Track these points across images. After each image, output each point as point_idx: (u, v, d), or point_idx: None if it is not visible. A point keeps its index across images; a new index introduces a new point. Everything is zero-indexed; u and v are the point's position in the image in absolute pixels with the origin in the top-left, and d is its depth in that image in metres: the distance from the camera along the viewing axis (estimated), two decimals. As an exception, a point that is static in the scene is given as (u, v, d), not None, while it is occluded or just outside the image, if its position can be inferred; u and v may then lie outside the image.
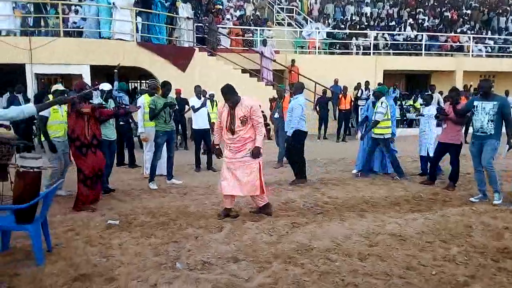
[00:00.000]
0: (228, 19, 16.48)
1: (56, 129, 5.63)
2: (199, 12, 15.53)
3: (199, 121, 7.87)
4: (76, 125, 5.09)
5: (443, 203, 5.69)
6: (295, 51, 16.14)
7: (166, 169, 6.86)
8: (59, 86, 5.97)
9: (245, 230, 4.44)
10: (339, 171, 7.92)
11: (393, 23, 19.74)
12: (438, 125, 7.01)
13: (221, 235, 4.30)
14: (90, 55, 10.93)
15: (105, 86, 6.31)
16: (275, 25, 18.30)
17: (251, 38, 15.54)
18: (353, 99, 13.17)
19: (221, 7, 17.71)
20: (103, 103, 6.09)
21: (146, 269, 3.50)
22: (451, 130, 6.33)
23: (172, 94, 7.67)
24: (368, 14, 20.65)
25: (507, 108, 5.46)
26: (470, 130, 5.80)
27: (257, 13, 18.35)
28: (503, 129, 5.47)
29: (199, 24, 13.70)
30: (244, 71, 13.43)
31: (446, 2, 24.53)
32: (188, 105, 8.85)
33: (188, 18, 12.95)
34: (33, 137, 9.73)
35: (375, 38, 16.92)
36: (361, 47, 16.86)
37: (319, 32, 16.25)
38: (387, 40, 17.46)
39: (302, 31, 17.30)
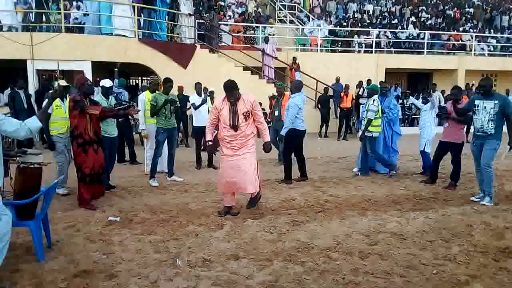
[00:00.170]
0: (229, 16, 16.44)
1: (59, 125, 5.62)
2: (200, 8, 15.49)
3: (199, 119, 7.86)
4: (78, 123, 5.07)
5: (444, 202, 5.68)
6: (296, 49, 16.10)
7: (167, 166, 6.85)
8: (62, 82, 5.94)
9: (246, 228, 4.44)
10: (340, 170, 7.91)
11: (396, 21, 19.68)
12: (440, 124, 7.00)
13: (221, 233, 4.30)
14: (91, 51, 10.92)
15: (106, 83, 6.28)
16: (277, 22, 18.24)
17: (252, 35, 15.51)
18: (354, 97, 13.15)
19: (223, 3, 17.68)
20: (104, 99, 6.08)
21: (147, 266, 3.51)
22: (453, 129, 6.31)
23: (175, 91, 7.67)
24: (371, 12, 20.59)
25: (508, 107, 5.35)
26: (472, 129, 5.75)
27: (259, 10, 18.30)
28: (505, 129, 5.40)
29: (200, 21, 13.67)
30: (245, 68, 13.41)
31: (449, 0, 24.44)
32: (190, 102, 8.83)
33: (189, 14, 12.92)
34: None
35: (377, 36, 16.87)
36: (363, 45, 16.82)
37: (321, 30, 16.21)
38: (389, 38, 17.41)
39: (304, 29, 17.26)
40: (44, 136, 5.74)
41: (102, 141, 5.49)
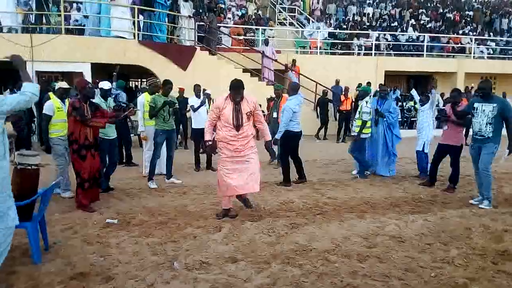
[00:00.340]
0: (229, 18, 16.47)
1: (60, 127, 5.57)
2: (200, 10, 15.51)
3: (198, 120, 7.84)
4: (75, 128, 5.02)
5: (442, 205, 5.67)
6: (296, 51, 16.12)
7: (165, 168, 6.84)
8: (63, 84, 5.92)
9: (244, 230, 4.43)
10: (339, 172, 7.90)
11: (395, 23, 19.72)
12: (439, 126, 7.00)
13: (219, 235, 4.28)
14: (91, 53, 10.92)
15: (105, 85, 6.26)
16: (277, 24, 18.27)
17: (252, 38, 15.52)
18: (354, 100, 13.15)
19: (223, 6, 17.71)
20: (103, 101, 6.06)
21: (144, 269, 3.49)
22: (452, 132, 6.30)
23: (176, 93, 7.65)
24: (370, 15, 20.64)
25: (507, 110, 5.33)
26: (471, 132, 5.74)
27: (259, 12, 18.33)
28: (503, 132, 5.38)
29: (200, 23, 13.69)
30: (245, 70, 13.41)
31: (448, 3, 24.50)
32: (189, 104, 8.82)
33: (189, 16, 12.94)
34: (31, 134, 9.71)
35: (377, 39, 16.89)
36: (363, 47, 16.84)
37: (320, 32, 16.23)
38: (389, 41, 17.43)
39: (303, 31, 17.28)
40: (43, 137, 5.70)
41: (101, 143, 5.48)
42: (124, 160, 8.20)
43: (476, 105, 5.53)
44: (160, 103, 6.30)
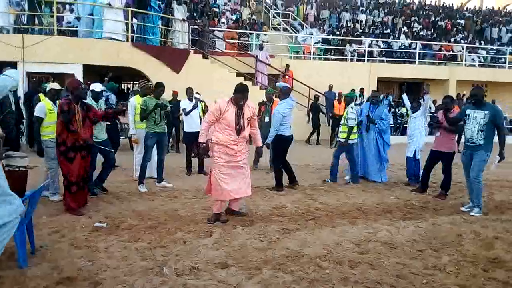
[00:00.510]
0: (223, 23, 16.48)
1: (52, 130, 5.44)
2: (194, 14, 15.52)
3: (190, 124, 7.80)
4: (62, 130, 4.91)
5: (434, 211, 5.68)
6: (290, 56, 16.17)
7: (156, 172, 6.77)
8: (55, 85, 5.82)
9: (235, 236, 4.38)
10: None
11: (388, 31, 19.90)
12: (431, 133, 7.04)
13: (210, 240, 4.23)
14: (83, 55, 10.84)
15: (97, 87, 6.18)
16: (271, 29, 18.34)
17: (246, 42, 15.54)
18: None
19: (217, 10, 17.73)
20: (94, 103, 5.99)
21: (133, 274, 3.42)
22: (444, 139, 6.33)
23: (167, 96, 7.60)
24: (363, 22, 20.81)
25: (499, 118, 5.39)
26: (463, 139, 5.77)
27: (253, 17, 18.39)
28: (495, 139, 5.42)
29: (194, 27, 13.68)
30: (238, 74, 13.41)
31: (440, 11, 24.82)
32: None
33: (183, 20, 12.91)
34: (20, 136, 9.55)
35: (370, 45, 17.02)
36: (356, 53, 16.95)
37: (313, 38, 16.31)
38: (382, 48, 17.57)
39: (297, 36, 17.36)
40: (35, 140, 5.57)
41: (91, 146, 5.38)
42: None
43: (468, 111, 5.56)
44: (152, 106, 6.24)
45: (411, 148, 7.32)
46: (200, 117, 8.08)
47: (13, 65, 10.46)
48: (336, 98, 12.74)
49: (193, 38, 13.43)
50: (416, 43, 17.35)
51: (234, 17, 17.95)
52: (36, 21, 11.48)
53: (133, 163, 7.15)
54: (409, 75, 16.50)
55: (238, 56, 14.19)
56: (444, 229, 4.81)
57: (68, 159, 4.93)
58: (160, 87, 6.51)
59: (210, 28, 14.68)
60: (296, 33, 18.13)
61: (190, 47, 13.04)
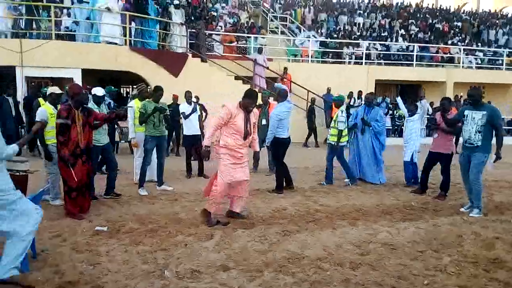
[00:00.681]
0: (220, 26, 16.53)
1: (53, 135, 5.42)
2: (192, 18, 15.56)
3: (189, 127, 7.81)
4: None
5: (434, 212, 5.70)
6: (288, 59, 16.22)
7: (156, 175, 6.78)
8: (56, 89, 5.81)
9: (236, 238, 4.38)
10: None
11: (385, 33, 19.98)
12: (429, 135, 7.06)
13: (211, 243, 4.23)
14: (82, 59, 10.84)
15: (98, 91, 6.15)
16: (269, 33, 18.39)
17: (244, 45, 15.58)
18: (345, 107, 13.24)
19: (215, 13, 17.78)
20: (96, 107, 5.98)
21: (134, 278, 3.42)
22: (442, 140, 6.35)
23: (166, 100, 7.59)
24: (361, 24, 20.88)
25: (496, 118, 5.38)
26: (461, 140, 5.79)
27: (251, 20, 18.45)
28: (494, 141, 5.42)
29: (192, 30, 13.71)
30: (237, 77, 13.44)
31: (437, 14, 24.94)
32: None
33: (181, 24, 12.95)
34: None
35: (367, 48, 17.09)
36: (353, 56, 17.01)
37: (311, 41, 16.36)
38: (379, 51, 17.64)
39: (295, 40, 17.41)
40: (41, 145, 5.52)
41: (92, 150, 5.37)
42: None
43: (466, 112, 5.57)
44: (151, 109, 6.25)
45: (408, 152, 7.32)
46: (199, 119, 8.09)
47: (11, 69, 10.51)
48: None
49: (191, 42, 13.46)
50: (414, 46, 17.42)
51: (232, 21, 18.00)
52: (34, 26, 11.49)
53: (133, 166, 7.15)
54: (406, 77, 16.57)
55: (236, 59, 14.23)
56: (444, 230, 4.82)
57: (68, 165, 4.90)
58: (158, 90, 6.53)
59: (208, 32, 14.72)
60: (294, 37, 18.19)
61: (188, 50, 13.07)
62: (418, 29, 21.18)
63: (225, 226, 4.78)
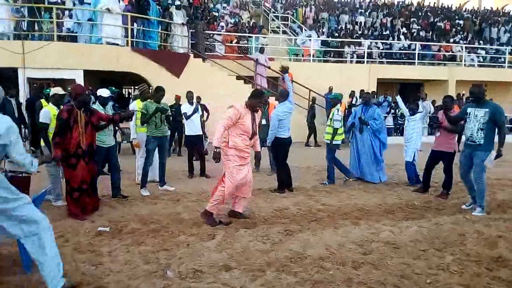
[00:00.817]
0: (222, 27, 16.54)
1: None
2: (193, 18, 15.57)
3: (191, 127, 7.81)
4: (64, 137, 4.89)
5: (436, 211, 5.68)
6: (289, 59, 16.21)
7: (158, 175, 6.79)
8: (59, 90, 5.81)
9: (238, 238, 4.38)
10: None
11: (387, 32, 19.94)
12: (431, 133, 7.04)
13: (213, 243, 4.23)
14: (84, 60, 10.87)
15: (104, 92, 6.14)
16: (270, 32, 18.39)
17: (245, 45, 15.59)
18: (347, 106, 13.23)
19: (216, 14, 17.79)
20: (102, 108, 5.98)
21: (136, 278, 3.43)
22: (444, 138, 6.33)
23: (168, 100, 7.60)
24: (363, 23, 20.84)
25: (499, 115, 5.32)
26: (463, 138, 5.76)
27: (253, 20, 18.45)
28: (496, 139, 5.38)
29: (193, 31, 13.73)
30: (238, 77, 13.44)
31: (439, 12, 24.87)
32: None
33: (183, 24, 12.96)
34: (23, 141, 9.56)
35: (369, 47, 17.06)
36: (355, 55, 16.98)
37: (312, 40, 16.34)
38: (381, 50, 17.60)
39: (296, 39, 17.40)
40: (47, 146, 5.53)
41: (97, 152, 5.38)
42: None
43: (469, 110, 5.54)
44: (152, 110, 6.26)
45: (409, 151, 7.30)
46: (201, 119, 8.11)
47: (13, 71, 10.54)
48: (336, 99, 12.76)
49: (192, 42, 13.47)
50: (416, 44, 17.38)
51: (233, 21, 18.00)
52: (36, 27, 11.53)
53: (135, 167, 7.17)
54: (408, 76, 16.53)
55: (237, 59, 14.23)
56: (447, 228, 4.80)
57: (70, 166, 4.92)
58: (160, 91, 6.54)
59: (209, 32, 14.72)
60: (295, 36, 18.17)
61: (190, 51, 13.08)
62: (419, 27, 21.12)
63: (227, 226, 4.79)
